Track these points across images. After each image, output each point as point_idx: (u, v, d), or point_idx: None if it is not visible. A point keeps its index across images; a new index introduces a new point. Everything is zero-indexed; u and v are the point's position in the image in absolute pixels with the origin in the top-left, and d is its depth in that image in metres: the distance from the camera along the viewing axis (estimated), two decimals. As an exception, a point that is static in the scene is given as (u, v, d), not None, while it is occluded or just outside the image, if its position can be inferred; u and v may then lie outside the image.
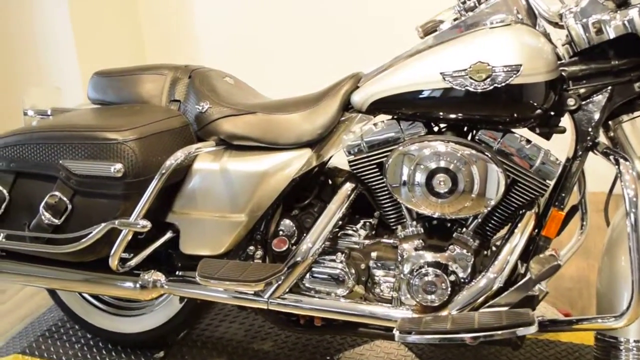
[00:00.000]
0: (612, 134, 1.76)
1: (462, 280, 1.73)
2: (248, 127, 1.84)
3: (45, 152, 1.76)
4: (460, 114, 1.68)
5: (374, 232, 1.92)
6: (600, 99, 1.67)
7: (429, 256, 1.74)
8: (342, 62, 2.52)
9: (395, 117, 1.77)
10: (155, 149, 1.75)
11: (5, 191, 1.84)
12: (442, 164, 1.65)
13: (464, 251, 1.72)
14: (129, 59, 3.80)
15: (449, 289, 1.71)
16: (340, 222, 1.88)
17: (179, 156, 1.71)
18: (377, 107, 1.76)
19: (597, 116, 1.68)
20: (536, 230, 1.74)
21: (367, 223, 1.92)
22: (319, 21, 3.85)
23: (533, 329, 1.55)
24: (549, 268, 1.60)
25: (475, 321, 1.61)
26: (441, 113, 1.70)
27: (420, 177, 1.67)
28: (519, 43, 1.61)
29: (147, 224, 1.70)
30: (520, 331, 1.55)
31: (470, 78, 1.61)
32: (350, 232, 1.88)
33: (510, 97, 1.62)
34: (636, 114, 1.72)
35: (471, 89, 1.62)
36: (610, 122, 1.75)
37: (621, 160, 1.57)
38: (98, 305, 2.19)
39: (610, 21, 1.60)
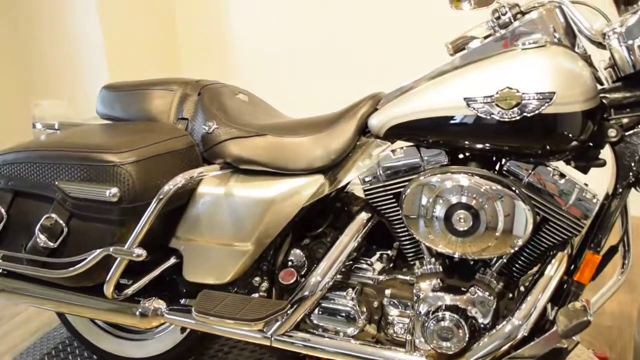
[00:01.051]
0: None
1: (483, 326, 1.55)
2: (256, 151, 1.70)
3: (42, 172, 1.66)
4: (485, 144, 1.51)
5: (391, 265, 1.76)
6: None
7: (447, 298, 1.57)
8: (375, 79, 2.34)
9: (415, 144, 1.60)
10: (154, 172, 1.62)
11: (3, 210, 1.74)
12: (464, 199, 1.48)
13: (486, 294, 1.55)
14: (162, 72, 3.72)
15: (467, 335, 1.54)
16: (354, 254, 1.73)
17: (178, 181, 1.59)
18: (395, 132, 1.59)
19: None
20: (568, 273, 1.56)
21: (385, 255, 1.77)
22: (353, 39, 3.70)
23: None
24: (577, 324, 1.42)
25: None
26: (465, 142, 1.53)
27: (439, 213, 1.51)
28: (553, 68, 1.42)
29: (143, 253, 1.58)
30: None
31: (497, 105, 1.44)
32: (364, 265, 1.73)
33: (542, 127, 1.43)
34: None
35: (498, 118, 1.44)
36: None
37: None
38: (104, 327, 2.09)
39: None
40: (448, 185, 1.49)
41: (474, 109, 1.46)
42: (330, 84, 3.55)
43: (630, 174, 1.49)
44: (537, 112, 1.41)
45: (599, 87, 1.52)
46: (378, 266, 1.73)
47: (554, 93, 1.40)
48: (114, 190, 1.57)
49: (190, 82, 1.86)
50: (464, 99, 1.47)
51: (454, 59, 1.60)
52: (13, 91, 3.44)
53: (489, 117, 1.45)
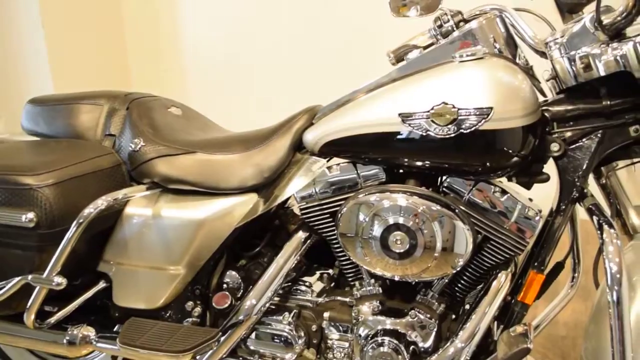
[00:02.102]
0: (604, 181, 1.50)
1: (424, 350, 1.48)
2: (185, 170, 1.60)
3: None
4: (423, 161, 1.42)
5: (333, 284, 1.68)
6: (590, 143, 1.41)
7: (387, 322, 1.49)
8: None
9: (352, 160, 1.51)
10: (75, 194, 1.52)
11: None
12: (400, 219, 1.40)
13: (427, 317, 1.47)
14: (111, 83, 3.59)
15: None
16: (293, 274, 1.65)
17: (99, 204, 1.48)
18: (331, 148, 1.50)
19: (585, 163, 1.41)
20: (513, 293, 1.49)
21: (325, 275, 1.69)
22: (303, 45, 3.62)
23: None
24: (517, 352, 1.34)
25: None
26: (402, 159, 1.45)
27: (375, 233, 1.42)
28: (491, 82, 1.35)
29: (62, 282, 1.47)
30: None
31: (433, 122, 1.36)
32: (303, 287, 1.65)
33: (481, 143, 1.36)
34: (629, 161, 1.46)
35: (434, 134, 1.36)
36: (602, 169, 1.48)
37: (605, 227, 1.30)
38: (38, 354, 1.98)
39: (601, 56, 1.33)
40: (385, 204, 1.41)
41: (409, 125, 1.38)
42: (280, 91, 3.48)
43: (574, 189, 1.43)
44: (474, 128, 1.33)
45: (542, 99, 1.45)
46: (318, 287, 1.66)
47: (491, 108, 1.32)
48: (31, 215, 1.46)
49: (119, 96, 1.75)
50: (399, 114, 1.39)
51: (392, 70, 1.52)
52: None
53: (425, 134, 1.37)
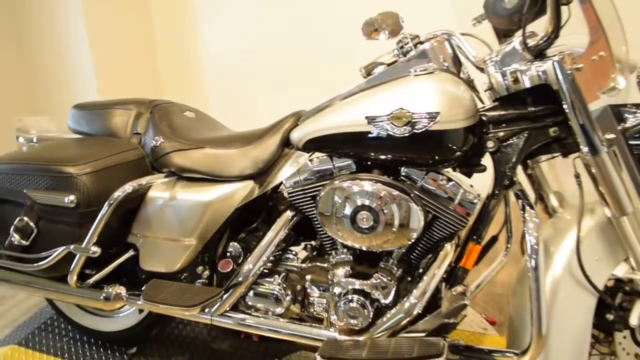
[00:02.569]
0: (530, 172, 1.48)
1: (385, 305, 1.45)
2: (195, 161, 1.57)
3: (13, 182, 1.52)
4: (384, 155, 1.39)
5: (315, 253, 1.65)
6: (518, 142, 1.38)
7: (355, 283, 1.46)
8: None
9: (328, 154, 1.48)
10: (107, 181, 1.48)
11: None
12: (367, 201, 1.37)
13: (388, 279, 1.44)
14: (144, 88, 3.54)
15: (371, 314, 1.44)
16: (283, 245, 1.62)
17: (127, 188, 1.46)
18: (312, 144, 1.47)
19: (514, 158, 1.38)
20: (456, 260, 1.46)
21: (309, 246, 1.65)
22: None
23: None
24: (456, 307, 1.32)
25: (389, 350, 1.33)
26: (368, 153, 1.41)
27: (346, 212, 1.40)
28: (439, 91, 1.31)
29: (97, 250, 1.45)
30: (432, 364, 1.27)
31: (392, 123, 1.33)
32: (290, 255, 1.61)
33: (429, 141, 1.33)
34: (550, 155, 1.43)
35: (393, 134, 1.33)
36: (529, 162, 1.46)
37: (527, 208, 1.28)
38: (82, 307, 1.94)
39: (527, 71, 1.30)
40: (354, 189, 1.38)
41: (373, 126, 1.35)
42: (291, 97, 3.40)
43: (505, 178, 1.40)
44: (425, 129, 1.30)
45: (482, 106, 1.42)
46: (302, 255, 1.62)
47: (438, 113, 1.29)
48: (72, 197, 1.44)
49: (144, 102, 1.71)
50: (366, 117, 1.36)
51: (362, 82, 1.48)
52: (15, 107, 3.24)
53: (385, 133, 1.34)
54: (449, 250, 1.44)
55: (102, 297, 1.59)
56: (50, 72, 3.25)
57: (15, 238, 1.52)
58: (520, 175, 1.47)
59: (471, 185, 1.52)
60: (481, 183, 1.50)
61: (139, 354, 1.84)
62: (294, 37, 3.44)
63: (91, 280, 1.56)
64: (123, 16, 3.35)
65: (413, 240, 1.40)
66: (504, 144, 1.39)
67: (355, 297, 1.44)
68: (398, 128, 1.32)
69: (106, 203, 1.44)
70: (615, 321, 1.36)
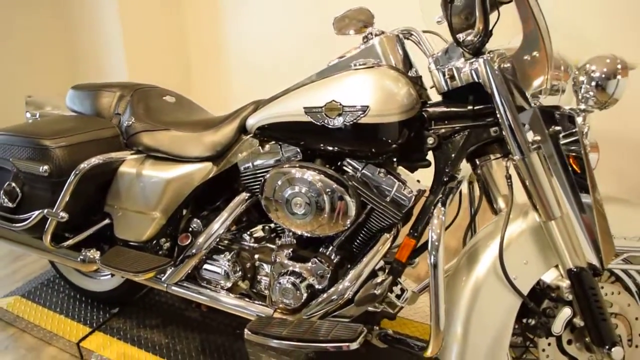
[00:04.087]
0: (478, 171, 1.44)
1: (319, 289, 1.48)
2: (160, 141, 1.65)
3: (5, 151, 1.68)
4: (324, 146, 1.42)
5: (273, 235, 1.69)
6: (459, 140, 1.36)
7: (292, 265, 1.50)
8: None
9: (278, 142, 1.52)
10: (79, 154, 1.60)
11: None
12: (301, 189, 1.40)
13: (324, 264, 1.47)
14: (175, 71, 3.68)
15: (304, 296, 1.47)
16: (243, 224, 1.68)
17: (92, 161, 1.57)
18: (262, 132, 1.52)
19: (454, 155, 1.36)
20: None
21: (267, 227, 1.70)
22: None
23: (353, 345, 1.29)
24: (365, 296, 1.33)
25: (309, 330, 1.36)
26: (309, 143, 1.44)
27: (284, 197, 1.43)
28: (372, 86, 1.32)
29: (65, 216, 1.58)
30: (341, 346, 1.29)
31: (326, 115, 1.35)
32: (246, 235, 1.67)
33: (365, 134, 1.34)
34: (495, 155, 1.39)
35: (326, 125, 1.35)
36: (477, 160, 1.42)
37: (438, 205, 1.26)
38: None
39: (462, 69, 1.28)
40: (292, 176, 1.42)
41: (310, 116, 1.37)
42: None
43: (444, 175, 1.38)
44: (354, 121, 1.31)
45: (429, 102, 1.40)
46: (257, 235, 1.67)
47: (367, 107, 1.30)
48: (46, 167, 1.57)
49: (129, 86, 1.82)
50: (304, 108, 1.38)
51: (313, 74, 1.50)
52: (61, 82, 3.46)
53: (320, 124, 1.36)
54: (384, 241, 1.44)
55: (79, 259, 1.72)
56: (90, 57, 3.48)
57: (4, 200, 1.69)
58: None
59: (418, 181, 1.52)
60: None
61: (120, 314, 1.98)
62: (322, 32, 3.45)
63: (66, 243, 1.69)
64: (155, 8, 3.50)
65: (345, 228, 1.41)
66: (445, 141, 1.37)
67: (291, 278, 1.47)
68: (331, 120, 1.34)
69: (72, 173, 1.55)
70: (537, 327, 1.31)
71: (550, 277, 1.28)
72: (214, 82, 3.73)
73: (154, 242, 1.70)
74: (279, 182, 1.43)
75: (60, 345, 1.86)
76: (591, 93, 1.20)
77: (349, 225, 1.41)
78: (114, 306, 2.01)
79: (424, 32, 1.48)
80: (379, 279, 1.37)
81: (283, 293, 1.48)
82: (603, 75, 1.19)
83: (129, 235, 1.72)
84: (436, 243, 1.18)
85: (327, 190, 1.37)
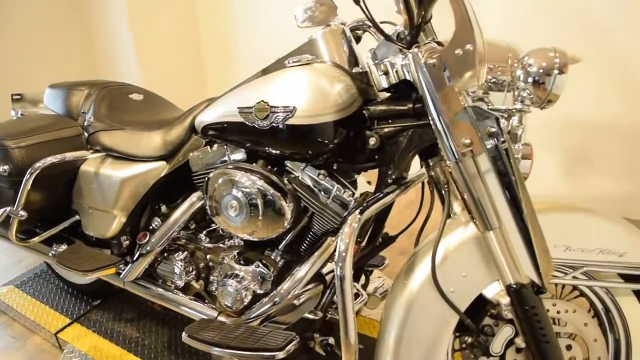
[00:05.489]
0: (431, 173, 1.32)
1: (262, 293, 1.42)
2: (115, 141, 1.64)
3: None
4: (258, 146, 1.35)
5: (226, 235, 1.64)
6: (402, 140, 1.25)
7: (236, 268, 1.45)
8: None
9: (222, 142, 1.47)
10: (39, 154, 1.62)
11: None
12: (239, 191, 1.34)
13: (268, 267, 1.41)
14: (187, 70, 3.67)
15: (245, 300, 1.42)
16: (201, 224, 1.65)
17: (48, 160, 1.58)
18: (207, 131, 1.46)
19: (396, 157, 1.25)
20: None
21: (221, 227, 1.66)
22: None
23: (279, 355, 1.22)
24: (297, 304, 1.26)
25: (239, 336, 1.31)
26: (246, 144, 1.38)
27: (220, 199, 1.39)
28: (303, 85, 1.24)
29: (24, 214, 1.61)
30: (265, 357, 1.23)
31: (255, 116, 1.28)
32: (202, 235, 1.63)
33: (295, 135, 1.26)
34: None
35: (256, 126, 1.28)
36: (429, 161, 1.30)
37: (355, 212, 1.16)
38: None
39: (395, 65, 1.17)
40: (230, 178, 1.36)
41: (243, 117, 1.31)
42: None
43: (387, 177, 1.28)
44: (281, 123, 1.23)
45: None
46: (213, 235, 1.63)
47: (294, 107, 1.21)
48: (6, 167, 1.61)
49: (97, 84, 1.81)
50: (237, 108, 1.32)
51: (259, 70, 1.43)
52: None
53: (252, 124, 1.29)
54: (328, 245, 1.36)
55: (50, 254, 1.75)
56: (103, 52, 3.55)
57: (-18, 200, 1.75)
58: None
59: (369, 182, 1.42)
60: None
61: (101, 306, 2.01)
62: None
63: (33, 240, 1.73)
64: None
65: (279, 233, 1.35)
66: (389, 141, 1.26)
67: (233, 281, 1.43)
68: (260, 120, 1.27)
69: (28, 172, 1.57)
70: (474, 345, 1.20)
71: (492, 292, 1.16)
72: (229, 75, 3.72)
73: (116, 239, 1.70)
74: (216, 184, 1.38)
75: (42, 335, 1.92)
76: (528, 91, 1.05)
77: (287, 229, 1.34)
78: (96, 298, 2.05)
79: (381, 22, 1.36)
80: (310, 286, 1.30)
81: (226, 296, 1.44)
82: (541, 70, 1.04)
83: (94, 232, 1.73)
84: (343, 254, 1.08)
85: (262, 193, 1.31)
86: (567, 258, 1.16)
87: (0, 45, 3.16)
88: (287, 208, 1.31)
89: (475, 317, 1.20)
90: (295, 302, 1.36)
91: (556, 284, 1.24)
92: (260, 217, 1.32)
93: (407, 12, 1.09)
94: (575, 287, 1.27)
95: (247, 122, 1.30)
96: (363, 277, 1.64)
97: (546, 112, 1.13)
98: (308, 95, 1.22)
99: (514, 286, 1.10)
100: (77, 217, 1.77)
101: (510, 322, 1.16)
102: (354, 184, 1.44)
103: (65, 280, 2.14)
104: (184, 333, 1.37)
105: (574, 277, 1.17)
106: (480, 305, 1.20)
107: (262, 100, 1.26)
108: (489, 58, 1.11)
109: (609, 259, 1.17)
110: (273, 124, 1.25)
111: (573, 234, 1.15)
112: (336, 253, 1.09)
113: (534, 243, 1.07)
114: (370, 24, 1.34)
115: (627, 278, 1.19)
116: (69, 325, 1.90)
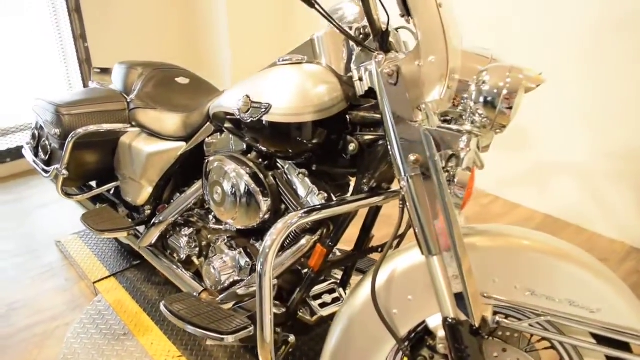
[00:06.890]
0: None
1: (239, 278, 1.48)
2: (147, 119, 1.80)
3: (45, 115, 1.97)
4: (246, 140, 1.41)
5: None
6: (379, 149, 1.23)
7: (222, 251, 1.53)
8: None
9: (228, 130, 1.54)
10: (84, 122, 1.82)
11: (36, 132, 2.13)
12: (225, 178, 1.41)
13: (249, 256, 1.48)
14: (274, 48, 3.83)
15: (222, 282, 1.49)
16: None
17: (89, 129, 1.78)
18: (214, 120, 1.54)
19: (374, 165, 1.24)
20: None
21: None
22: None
23: (229, 339, 1.28)
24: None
25: (203, 313, 1.38)
26: (237, 135, 1.44)
27: (209, 184, 1.47)
28: (282, 83, 1.26)
29: (66, 173, 1.83)
30: (211, 337, 1.29)
31: (239, 109, 1.33)
32: (211, 215, 1.72)
33: (272, 132, 1.29)
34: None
35: (240, 119, 1.33)
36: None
37: (301, 212, 1.14)
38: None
39: (367, 71, 1.15)
40: (222, 165, 1.44)
41: (234, 110, 1.36)
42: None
43: (364, 184, 1.26)
44: (256, 118, 1.27)
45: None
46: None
47: (269, 105, 1.24)
48: (57, 130, 1.83)
49: (151, 65, 1.98)
50: (233, 99, 1.38)
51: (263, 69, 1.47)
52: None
53: (237, 118, 1.34)
54: (304, 243, 1.37)
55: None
56: (203, 38, 3.82)
57: (41, 153, 2.02)
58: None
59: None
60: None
61: (138, 267, 2.22)
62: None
63: (75, 197, 1.96)
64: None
65: (257, 224, 1.39)
66: (369, 149, 1.24)
67: (217, 263, 1.51)
68: (243, 115, 1.31)
69: (70, 135, 1.78)
70: (411, 371, 1.14)
71: (435, 322, 1.10)
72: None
73: (144, 207, 1.87)
74: (210, 169, 1.46)
75: (86, 282, 2.18)
76: (479, 111, 0.96)
77: (264, 220, 1.37)
78: (137, 259, 2.27)
79: (398, 28, 1.33)
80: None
81: (208, 275, 1.52)
82: (495, 90, 0.94)
83: (130, 197, 1.92)
84: (267, 250, 1.08)
85: (243, 184, 1.36)
86: (528, 303, 1.05)
87: (115, 22, 3.57)
88: (263, 202, 1.34)
89: (418, 344, 1.15)
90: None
91: (518, 331, 1.13)
92: (237, 207, 1.38)
93: (367, 16, 1.05)
94: (544, 338, 1.14)
95: (236, 115, 1.35)
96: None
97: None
98: (286, 93, 1.23)
99: (449, 320, 1.03)
100: (117, 182, 1.98)
101: (445, 357, 1.08)
102: (343, 187, 1.43)
103: (117, 239, 2.39)
104: (162, 302, 1.48)
105: (531, 325, 1.06)
106: (427, 333, 1.15)
107: (247, 95, 1.30)
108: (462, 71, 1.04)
109: (579, 313, 1.03)
110: (252, 119, 1.28)
111: (539, 278, 1.03)
112: (261, 250, 1.10)
113: (466, 282, 0.98)
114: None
115: (600, 339, 1.04)
116: (106, 277, 2.14)
